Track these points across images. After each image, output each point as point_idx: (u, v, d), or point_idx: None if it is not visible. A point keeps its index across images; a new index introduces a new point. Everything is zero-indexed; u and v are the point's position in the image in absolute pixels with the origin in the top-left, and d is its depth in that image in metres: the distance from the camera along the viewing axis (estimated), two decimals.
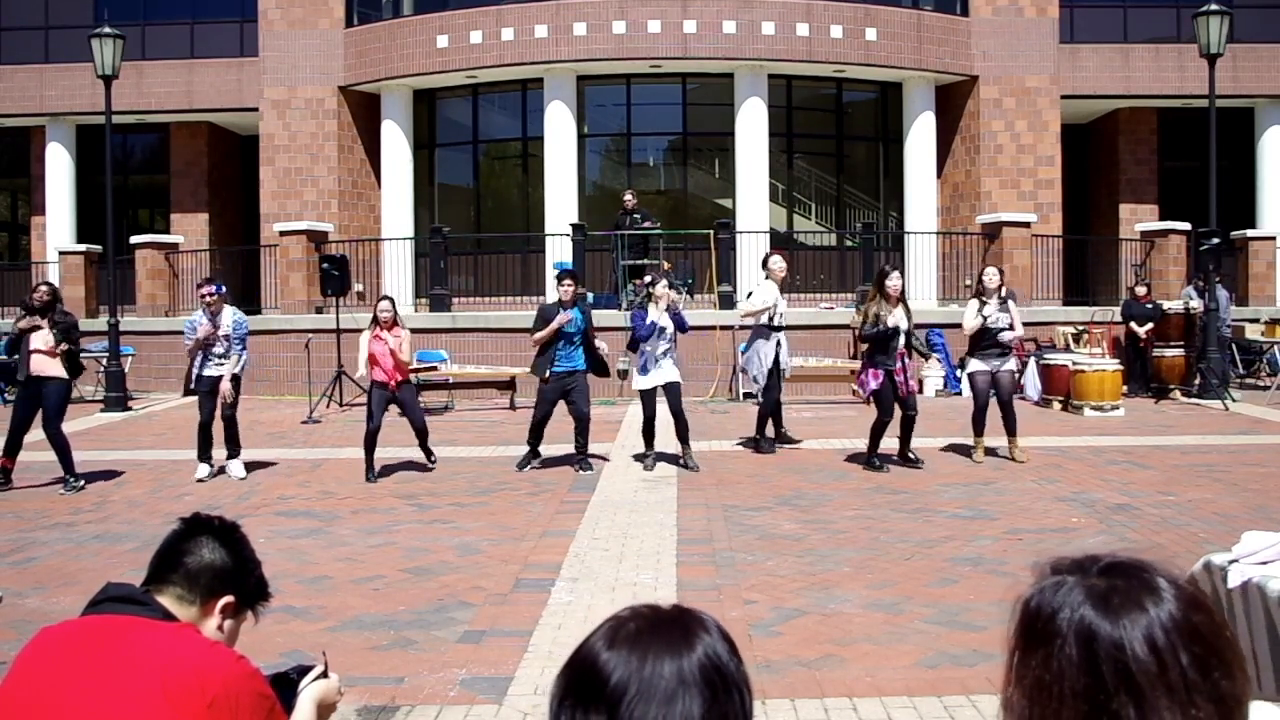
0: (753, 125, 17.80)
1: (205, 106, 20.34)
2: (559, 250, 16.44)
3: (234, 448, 9.13)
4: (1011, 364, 9.46)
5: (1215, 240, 13.88)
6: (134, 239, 17.81)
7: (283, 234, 16.69)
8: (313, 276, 15.43)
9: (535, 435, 9.18)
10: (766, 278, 9.99)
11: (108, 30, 14.74)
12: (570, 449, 9.32)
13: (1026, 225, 16.49)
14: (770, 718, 3.91)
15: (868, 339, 8.93)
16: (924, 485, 8.34)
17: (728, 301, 15.11)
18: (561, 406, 9.14)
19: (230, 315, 9.01)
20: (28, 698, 1.85)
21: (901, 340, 8.93)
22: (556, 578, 5.79)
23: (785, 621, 5.03)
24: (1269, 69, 19.42)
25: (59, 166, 20.94)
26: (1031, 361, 13.97)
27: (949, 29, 18.48)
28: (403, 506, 7.85)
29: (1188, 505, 7.42)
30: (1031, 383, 13.80)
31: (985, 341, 9.26)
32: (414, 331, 10.52)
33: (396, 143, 19.12)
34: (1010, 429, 9.30)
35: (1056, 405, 12.97)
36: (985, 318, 9.20)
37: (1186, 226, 16.43)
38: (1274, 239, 18.15)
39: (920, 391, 14.12)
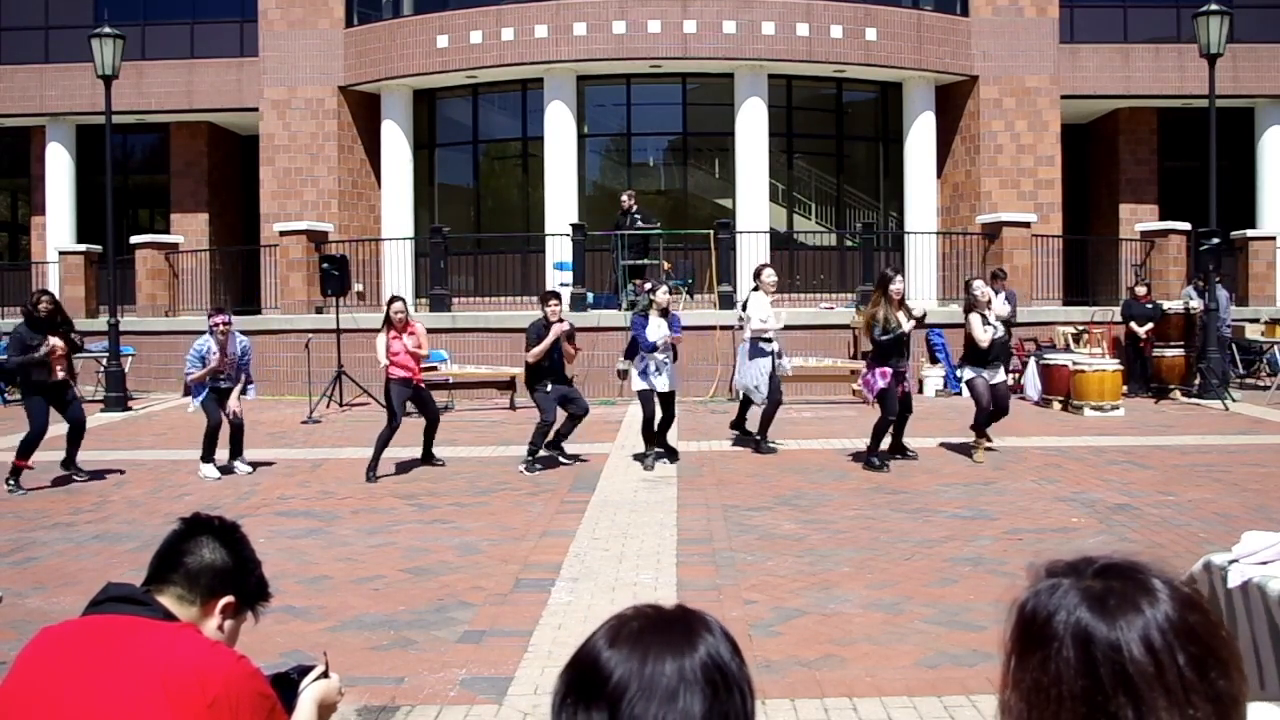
0: (753, 125, 17.80)
1: (205, 106, 20.34)
2: (559, 250, 16.44)
3: (238, 450, 9.32)
4: (1001, 374, 9.61)
5: (1215, 240, 13.88)
6: (134, 239, 17.81)
7: (283, 234, 16.69)
8: (313, 276, 15.44)
9: (544, 438, 9.25)
10: (756, 289, 10.07)
11: (108, 30, 14.74)
12: (570, 448, 9.52)
13: (1026, 225, 16.49)
14: (770, 718, 3.91)
15: (880, 343, 9.00)
16: (924, 485, 8.34)
17: (728, 301, 15.11)
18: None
19: (238, 343, 9.27)
20: (29, 697, 1.85)
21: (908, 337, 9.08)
22: (556, 578, 5.79)
23: (785, 621, 5.04)
24: (1269, 69, 19.42)
25: (59, 166, 20.94)
26: (1031, 361, 13.98)
27: (949, 29, 18.48)
28: (403, 506, 7.85)
29: (1188, 505, 7.42)
30: (1031, 383, 13.80)
31: (979, 351, 9.32)
32: None
33: (396, 143, 19.13)
34: (983, 428, 9.51)
35: (1056, 405, 12.97)
36: (994, 329, 9.31)
37: (1186, 226, 16.43)
38: (1274, 239, 18.14)
39: (920, 391, 14.14)
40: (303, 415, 12.88)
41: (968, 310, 9.41)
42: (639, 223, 15.70)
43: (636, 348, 9.23)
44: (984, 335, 9.25)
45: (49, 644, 1.92)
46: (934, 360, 12.35)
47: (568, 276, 15.65)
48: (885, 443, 9.22)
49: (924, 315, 9.50)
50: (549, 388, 9.20)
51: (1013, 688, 1.07)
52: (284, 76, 19.05)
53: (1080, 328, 15.36)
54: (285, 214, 18.49)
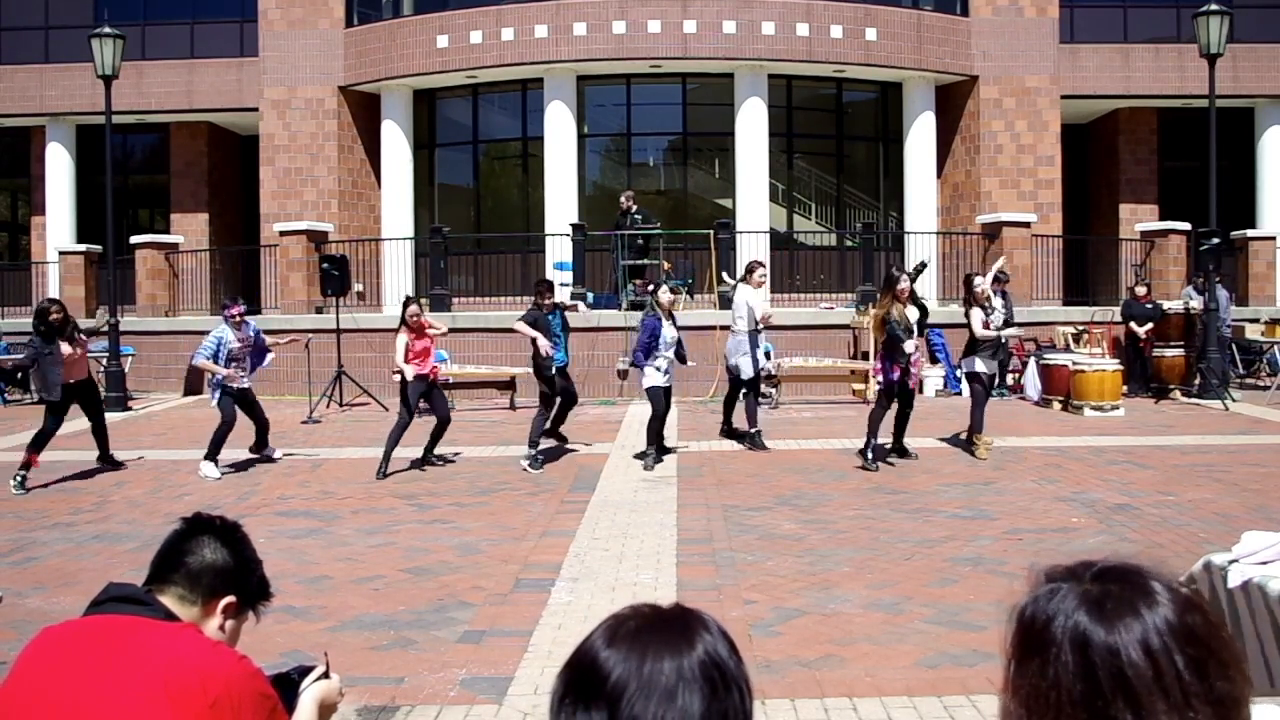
0: (753, 125, 17.80)
1: (205, 106, 20.34)
2: (559, 250, 16.45)
3: (263, 442, 9.78)
4: (994, 365, 9.90)
5: (1215, 240, 13.88)
6: (134, 239, 17.81)
7: (283, 234, 16.69)
8: (313, 276, 15.44)
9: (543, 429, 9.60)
10: (743, 280, 10.39)
11: (108, 30, 14.74)
12: (554, 440, 9.94)
13: (1026, 225, 16.49)
14: (770, 718, 3.91)
15: (894, 338, 9.11)
16: (924, 485, 8.34)
17: (728, 301, 15.10)
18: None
19: (250, 329, 9.61)
20: (30, 697, 1.85)
21: (912, 345, 9.16)
22: (556, 578, 5.79)
23: (785, 621, 5.04)
24: (1269, 69, 19.42)
25: (59, 166, 20.94)
26: (1031, 361, 13.98)
27: (949, 29, 18.48)
28: (403, 506, 7.85)
29: (1188, 505, 7.42)
30: (1031, 383, 13.80)
31: (984, 343, 9.56)
32: None
33: (396, 143, 19.13)
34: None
35: (1056, 405, 12.96)
36: (994, 322, 9.58)
37: (1186, 226, 16.44)
38: (1274, 239, 18.15)
39: (920, 391, 14.14)
40: (303, 415, 12.88)
41: (968, 306, 9.56)
42: (639, 223, 15.70)
43: (651, 349, 9.32)
44: (983, 331, 9.45)
45: (50, 644, 1.92)
46: (934, 360, 12.38)
47: (568, 276, 15.65)
48: (888, 441, 9.28)
49: (926, 313, 9.63)
50: (553, 369, 9.48)
51: (1012, 693, 1.07)
52: (284, 76, 19.05)
53: (1080, 328, 15.36)
54: (285, 214, 18.49)
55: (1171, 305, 14.47)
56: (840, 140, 19.56)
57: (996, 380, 12.03)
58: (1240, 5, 17.79)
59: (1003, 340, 9.90)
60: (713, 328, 14.36)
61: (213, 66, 20.12)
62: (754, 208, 17.64)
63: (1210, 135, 14.26)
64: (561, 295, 12.53)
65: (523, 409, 13.28)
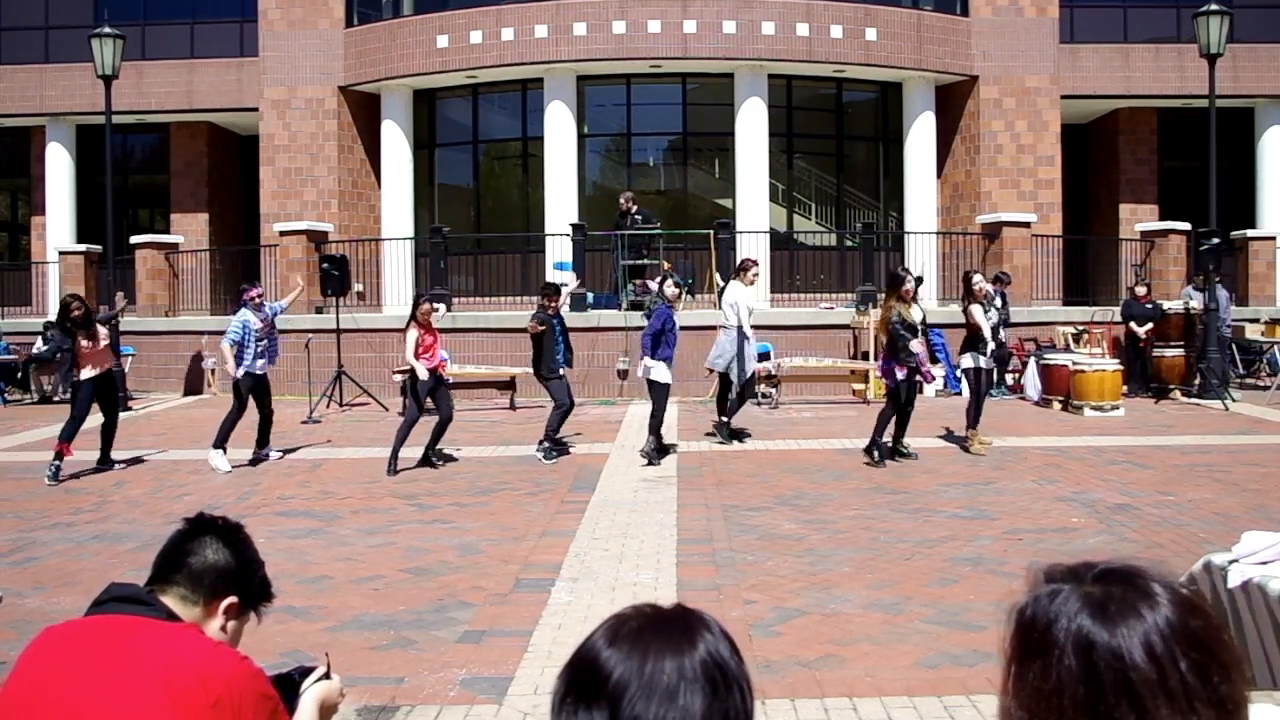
0: (753, 125, 17.80)
1: (205, 106, 20.35)
2: (559, 250, 16.44)
3: (265, 439, 9.83)
4: (991, 362, 10.05)
5: (1215, 240, 13.88)
6: (134, 239, 17.82)
7: (283, 234, 16.69)
8: (313, 276, 15.43)
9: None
10: (735, 277, 10.56)
11: (108, 30, 14.74)
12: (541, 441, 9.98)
13: (1026, 225, 16.49)
14: (770, 718, 3.91)
15: (897, 337, 9.20)
16: (924, 485, 8.34)
17: None
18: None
19: (269, 310, 9.95)
20: (31, 697, 1.85)
21: (919, 344, 9.30)
22: (556, 578, 5.79)
23: (785, 621, 5.04)
24: (1269, 69, 19.42)
25: (59, 166, 20.94)
26: (1031, 361, 13.98)
27: (949, 29, 18.48)
28: (403, 506, 7.85)
29: (1188, 505, 7.42)
30: (1031, 383, 13.80)
31: (982, 339, 9.70)
32: None
33: (396, 143, 19.12)
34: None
35: (1056, 405, 12.96)
36: (990, 321, 9.72)
37: (1186, 226, 16.44)
38: (1274, 239, 18.15)
39: (920, 391, 14.14)
40: (303, 415, 12.88)
41: (967, 303, 9.69)
42: (639, 223, 15.70)
43: (660, 337, 9.45)
44: (986, 324, 9.63)
45: (51, 644, 1.92)
46: (934, 360, 12.36)
47: (568, 276, 15.65)
48: (885, 439, 9.32)
49: (924, 318, 9.72)
50: (561, 373, 9.70)
51: (1013, 695, 1.06)
52: (284, 76, 19.05)
53: (1080, 328, 15.36)
54: (285, 214, 18.49)
55: (1171, 305, 14.47)
56: (840, 140, 19.56)
57: (995, 379, 12.15)
58: (1240, 5, 17.79)
59: (1001, 340, 9.99)
60: (713, 327, 14.34)
61: (213, 66, 20.12)
62: (754, 208, 17.64)
63: (1210, 135, 14.26)
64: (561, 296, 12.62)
65: (522, 409, 13.29)
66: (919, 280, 10.04)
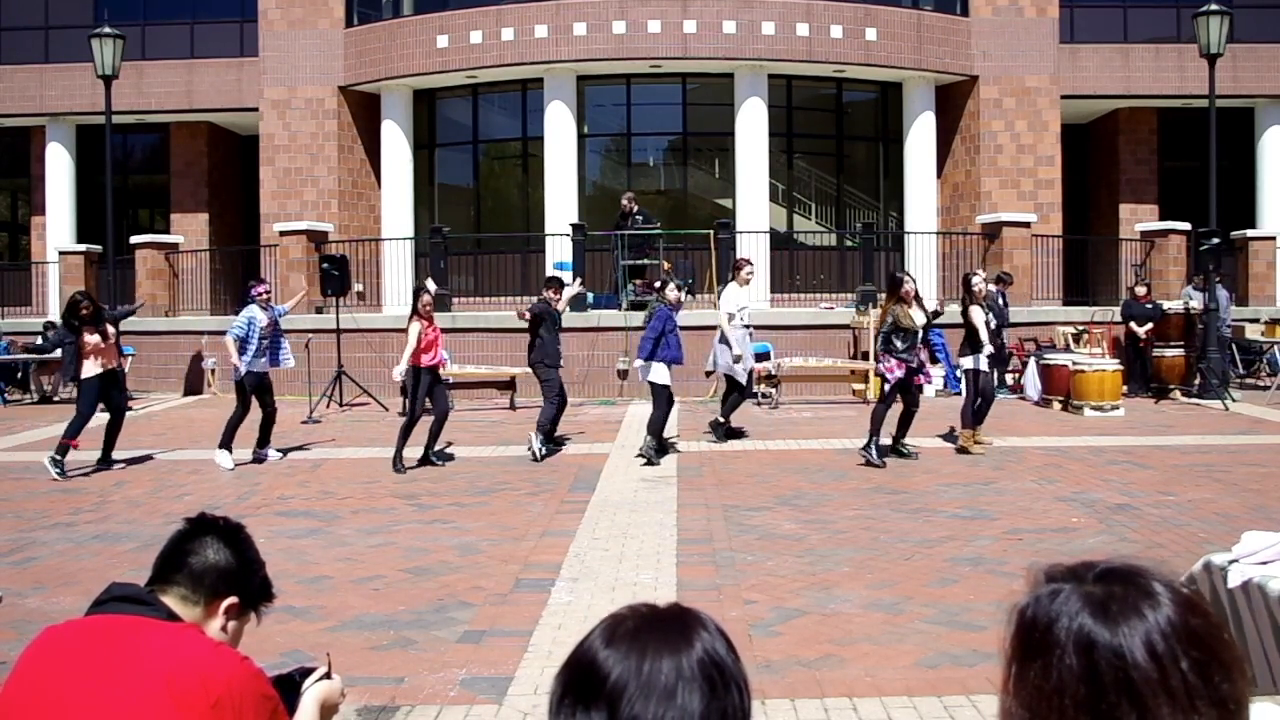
0: (753, 125, 17.80)
1: (205, 106, 20.35)
2: (559, 250, 16.45)
3: (266, 439, 9.83)
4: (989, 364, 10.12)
5: (1215, 240, 13.88)
6: (134, 239, 17.81)
7: (283, 234, 16.69)
8: (313, 276, 15.43)
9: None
10: (731, 278, 10.63)
11: (108, 30, 14.74)
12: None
13: (1026, 225, 16.49)
14: (770, 718, 3.91)
15: (884, 341, 9.29)
16: (924, 485, 8.34)
17: None
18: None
19: (275, 310, 10.02)
20: (31, 697, 1.85)
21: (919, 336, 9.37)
22: (556, 578, 5.79)
23: (785, 621, 5.04)
24: (1269, 69, 19.42)
25: (59, 166, 20.94)
26: (1031, 361, 13.97)
27: (949, 29, 18.48)
28: (403, 506, 7.85)
29: (1188, 505, 7.42)
30: (1031, 383, 13.80)
31: (980, 340, 9.74)
32: None
33: (396, 143, 19.13)
34: (983, 419, 10.00)
35: (1056, 405, 12.96)
36: (990, 320, 9.83)
37: (1186, 226, 16.44)
38: (1274, 239, 18.15)
39: (920, 391, 14.14)
40: (303, 415, 12.88)
41: (968, 303, 9.72)
42: (640, 224, 15.71)
43: (661, 338, 9.48)
44: (984, 324, 9.68)
45: (52, 644, 1.92)
46: (934, 360, 12.39)
47: (568, 276, 15.64)
48: (886, 440, 9.34)
49: (937, 314, 9.81)
50: (562, 365, 9.85)
51: (1014, 694, 1.06)
52: (284, 76, 19.05)
53: (1080, 328, 15.36)
54: (285, 214, 18.49)
55: (1171, 305, 14.47)
56: (840, 140, 19.56)
57: (996, 380, 12.18)
58: (1240, 5, 17.79)
59: (1002, 341, 10.07)
60: (712, 327, 14.35)
61: (213, 66, 20.12)
62: (754, 208, 17.64)
63: (1210, 135, 14.26)
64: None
65: (523, 409, 13.28)
66: (936, 314, 10.10)
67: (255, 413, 9.78)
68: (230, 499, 8.22)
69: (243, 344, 9.48)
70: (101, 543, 6.86)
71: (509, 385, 13.86)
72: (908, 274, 9.70)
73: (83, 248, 18.35)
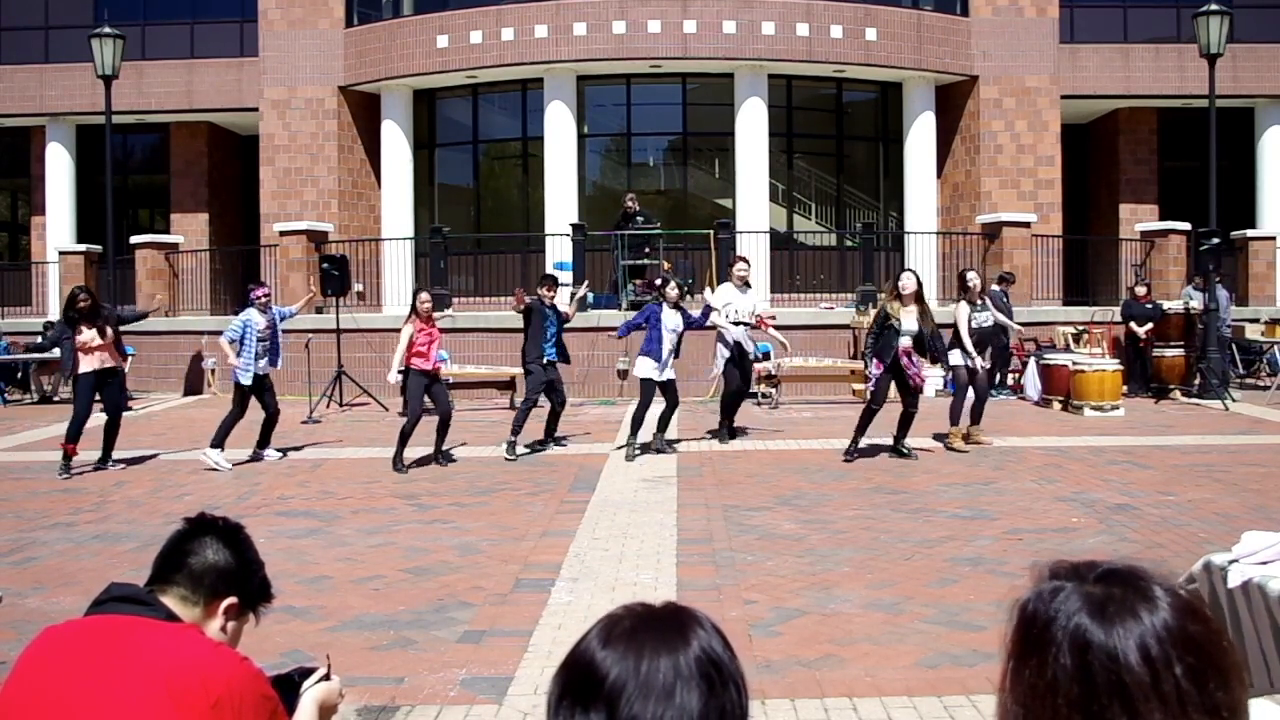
0: (753, 125, 17.80)
1: (205, 106, 20.36)
2: (559, 250, 16.45)
3: (266, 440, 9.83)
4: (983, 362, 10.24)
5: (1215, 240, 13.87)
6: (134, 239, 17.81)
7: (283, 234, 16.70)
8: (313, 276, 15.44)
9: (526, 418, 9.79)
10: (725, 279, 10.73)
11: (108, 30, 14.74)
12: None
13: (1026, 225, 16.49)
14: (770, 718, 3.91)
15: (872, 334, 9.36)
16: (924, 485, 8.34)
17: None
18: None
19: (275, 312, 9.97)
20: (31, 697, 1.86)
21: (908, 340, 9.22)
22: (556, 578, 5.79)
23: (785, 621, 5.03)
24: (1269, 69, 19.42)
25: (59, 166, 20.94)
26: (1031, 361, 13.97)
27: (949, 29, 18.49)
28: (403, 506, 7.85)
29: (1188, 505, 7.42)
30: (1031, 383, 13.79)
31: (973, 338, 9.94)
32: None
33: (396, 143, 19.13)
34: (979, 417, 10.07)
35: (1056, 405, 12.96)
36: (978, 320, 9.98)
37: (1186, 226, 16.44)
38: (1274, 239, 18.15)
39: (920, 391, 14.14)
40: (303, 415, 12.88)
41: (962, 298, 9.92)
42: (641, 224, 15.71)
43: (638, 327, 9.60)
44: (967, 325, 9.81)
45: (52, 644, 1.92)
46: (934, 360, 12.39)
47: (567, 276, 15.64)
48: (888, 440, 9.37)
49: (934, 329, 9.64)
50: (544, 363, 9.70)
51: (1010, 690, 1.07)
52: (284, 76, 19.05)
53: (1080, 328, 15.36)
54: (285, 214, 18.49)
55: (1171, 305, 14.47)
56: (840, 140, 19.56)
57: (997, 379, 12.17)
58: (1240, 5, 17.79)
59: (1004, 340, 10.07)
60: (713, 327, 14.36)
61: (213, 66, 20.13)
62: (754, 208, 17.64)
63: (1210, 135, 14.26)
64: (561, 294, 12.60)
65: None
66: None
67: (256, 413, 9.78)
68: (230, 499, 8.22)
69: (238, 346, 9.45)
70: (101, 543, 6.86)
71: (509, 385, 13.86)
72: (912, 271, 9.68)
73: (83, 248, 18.35)
